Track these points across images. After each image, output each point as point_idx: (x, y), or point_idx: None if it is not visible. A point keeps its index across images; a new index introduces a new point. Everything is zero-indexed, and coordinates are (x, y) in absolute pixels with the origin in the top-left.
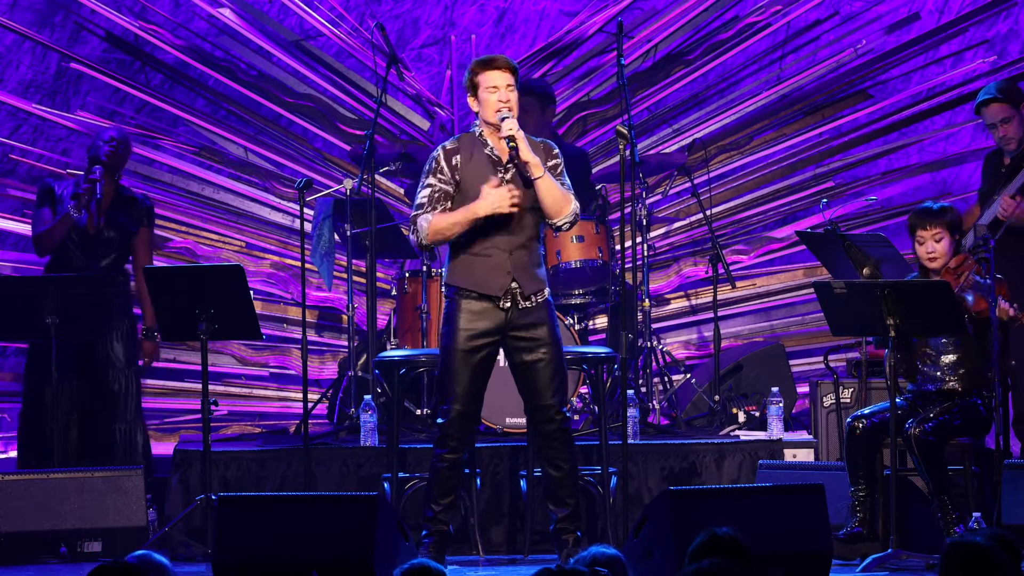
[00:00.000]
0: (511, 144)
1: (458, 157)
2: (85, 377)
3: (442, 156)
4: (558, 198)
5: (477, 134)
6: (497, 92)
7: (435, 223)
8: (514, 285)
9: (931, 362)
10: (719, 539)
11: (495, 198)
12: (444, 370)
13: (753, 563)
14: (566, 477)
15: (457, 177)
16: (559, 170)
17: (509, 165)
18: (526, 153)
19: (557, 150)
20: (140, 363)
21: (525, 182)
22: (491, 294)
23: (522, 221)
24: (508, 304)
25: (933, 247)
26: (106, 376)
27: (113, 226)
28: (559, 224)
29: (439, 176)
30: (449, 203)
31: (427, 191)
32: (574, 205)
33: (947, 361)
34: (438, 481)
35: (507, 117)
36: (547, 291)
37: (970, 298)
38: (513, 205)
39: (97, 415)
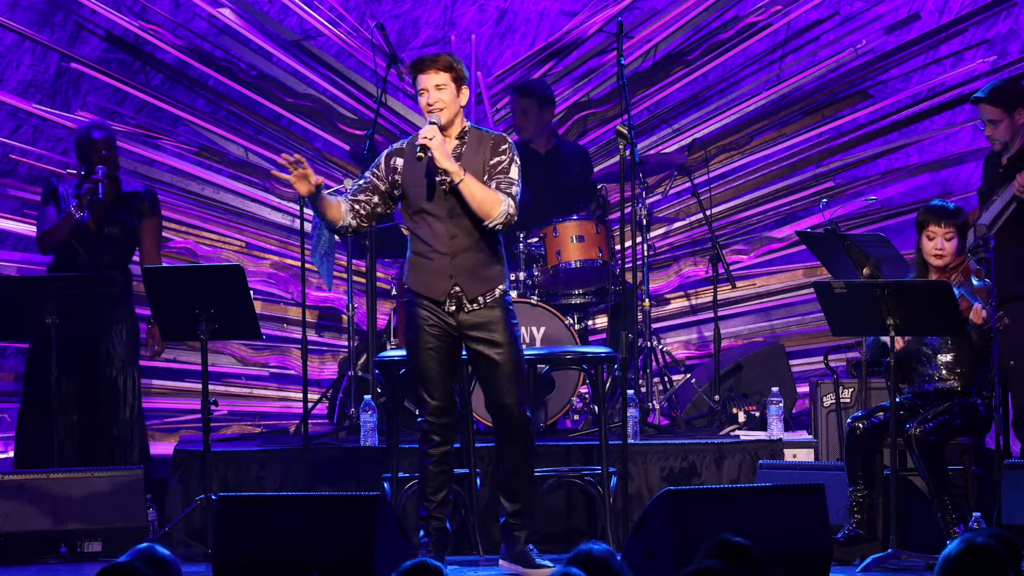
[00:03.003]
0: (419, 155)
1: (399, 160)
2: (86, 376)
3: (384, 155)
4: (483, 200)
5: None
6: (426, 95)
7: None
8: (456, 289)
9: (929, 362)
10: (729, 544)
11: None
12: (412, 370)
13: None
14: (516, 472)
15: (395, 178)
16: (500, 167)
17: (439, 171)
18: (440, 161)
19: (507, 145)
20: (145, 353)
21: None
22: (434, 298)
23: (465, 224)
24: (453, 308)
25: (943, 245)
26: (107, 374)
27: (115, 223)
28: (491, 225)
29: (374, 171)
30: (375, 197)
31: (360, 181)
32: (503, 206)
33: (945, 361)
34: (428, 478)
35: (434, 123)
36: (499, 290)
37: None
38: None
39: (96, 413)
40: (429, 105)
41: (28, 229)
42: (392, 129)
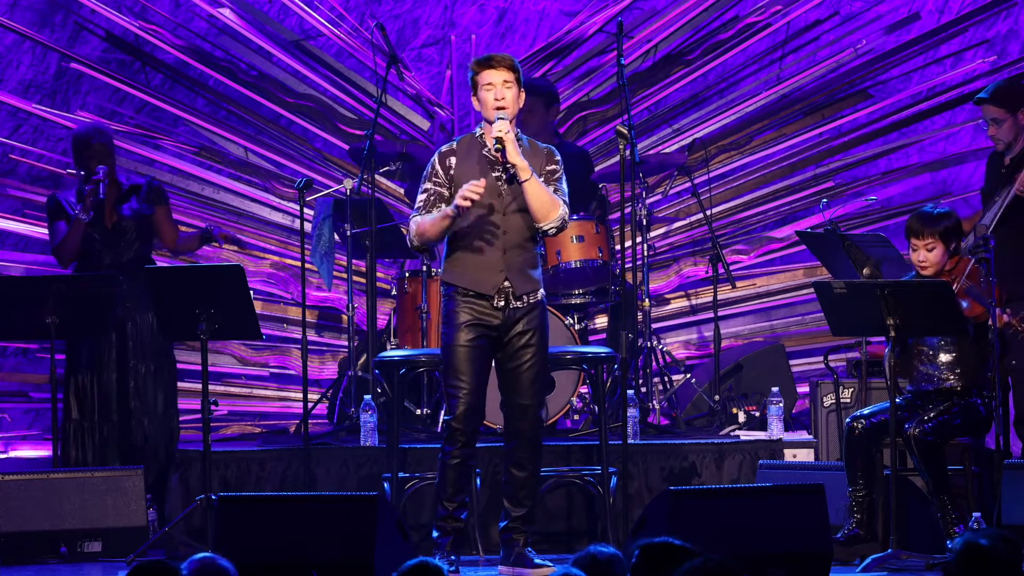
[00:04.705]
0: (498, 147)
1: (453, 159)
2: (116, 372)
3: (437, 160)
4: (545, 202)
5: (477, 135)
6: (493, 90)
7: (418, 225)
8: (506, 284)
9: (929, 361)
10: (661, 548)
11: (459, 196)
12: (448, 367)
13: (753, 563)
14: (529, 478)
15: (451, 175)
16: (555, 176)
17: (508, 165)
18: (513, 155)
19: (558, 156)
20: (218, 238)
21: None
22: (484, 292)
23: (517, 221)
24: (501, 303)
25: (924, 256)
26: (137, 369)
27: (131, 217)
28: (545, 228)
29: (434, 180)
30: (443, 206)
31: (423, 196)
32: (561, 211)
33: (945, 360)
34: (451, 479)
35: (502, 118)
36: (541, 292)
37: (965, 304)
38: (467, 198)
39: (127, 408)
40: (496, 100)
41: (28, 229)
42: (392, 129)
